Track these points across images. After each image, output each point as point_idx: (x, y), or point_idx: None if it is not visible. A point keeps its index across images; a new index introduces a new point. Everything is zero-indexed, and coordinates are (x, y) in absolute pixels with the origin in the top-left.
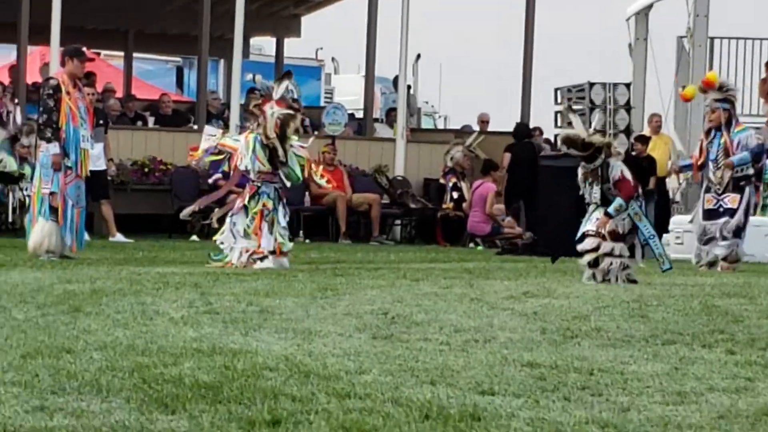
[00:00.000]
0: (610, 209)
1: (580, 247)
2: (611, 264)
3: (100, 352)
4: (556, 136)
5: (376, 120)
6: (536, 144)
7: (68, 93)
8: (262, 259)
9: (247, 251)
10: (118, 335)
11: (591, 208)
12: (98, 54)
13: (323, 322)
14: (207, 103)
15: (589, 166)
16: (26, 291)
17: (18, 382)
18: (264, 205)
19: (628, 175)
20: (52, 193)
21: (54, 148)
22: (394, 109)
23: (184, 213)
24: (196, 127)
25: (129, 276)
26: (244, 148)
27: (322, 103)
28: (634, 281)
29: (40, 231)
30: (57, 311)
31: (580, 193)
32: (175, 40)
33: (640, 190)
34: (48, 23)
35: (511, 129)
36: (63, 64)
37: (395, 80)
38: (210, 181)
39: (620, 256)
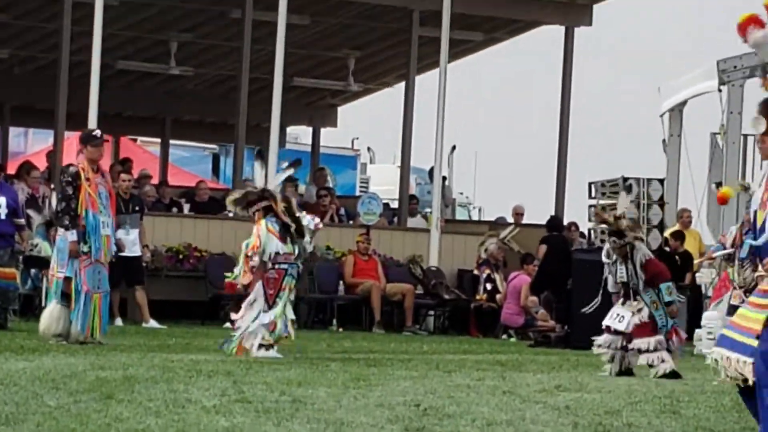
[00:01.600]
0: (665, 296)
1: (596, 342)
2: (653, 361)
3: None
4: (589, 230)
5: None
6: (569, 238)
7: (88, 179)
8: (267, 347)
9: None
10: (150, 423)
11: (616, 303)
12: (135, 140)
13: (355, 412)
14: None
15: (619, 242)
16: (58, 377)
17: None
18: (290, 289)
19: (653, 257)
20: (66, 278)
21: (72, 235)
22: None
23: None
24: (231, 214)
25: (162, 363)
26: (263, 236)
27: (357, 193)
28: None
29: (49, 315)
30: (89, 398)
31: (605, 276)
32: (212, 128)
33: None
34: (85, 109)
35: (545, 221)
36: (80, 151)
37: (431, 171)
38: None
39: (656, 350)
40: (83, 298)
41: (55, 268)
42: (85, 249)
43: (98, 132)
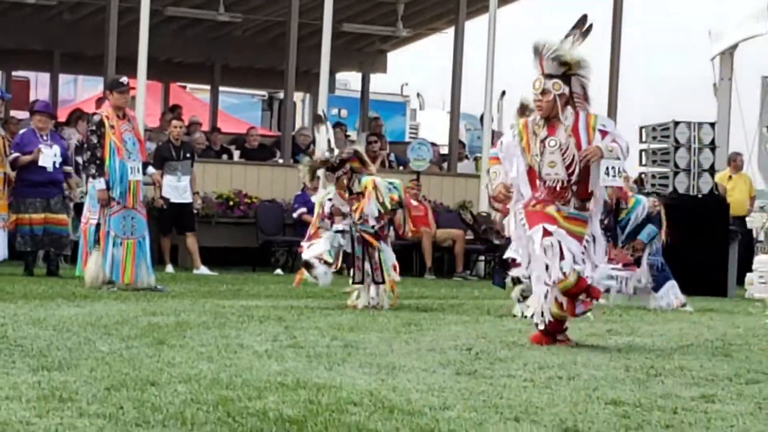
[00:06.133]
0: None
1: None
2: None
3: (184, 385)
4: (640, 174)
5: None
6: None
7: (112, 127)
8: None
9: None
10: (202, 368)
11: None
12: (184, 87)
13: (407, 357)
14: (294, 138)
15: None
16: (110, 323)
17: (103, 415)
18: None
19: None
20: (98, 225)
21: (99, 183)
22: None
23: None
24: (281, 161)
25: (213, 309)
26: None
27: (407, 139)
28: None
29: (94, 264)
30: (141, 344)
31: None
32: (261, 74)
33: None
34: (135, 56)
35: None
36: (106, 98)
37: (482, 117)
38: (294, 215)
39: None
40: (111, 244)
41: (88, 215)
42: (114, 196)
43: (124, 78)
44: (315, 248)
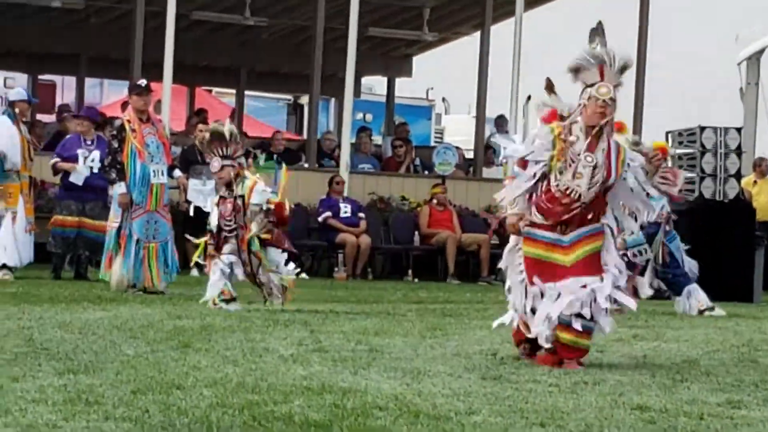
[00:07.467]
0: None
1: None
2: None
3: (210, 388)
4: None
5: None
6: None
7: (134, 131)
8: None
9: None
10: (228, 372)
11: None
12: (210, 91)
13: (432, 362)
14: (319, 142)
15: None
16: (136, 327)
17: (129, 418)
18: None
19: None
20: (119, 229)
21: (120, 187)
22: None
23: None
24: (306, 165)
25: (238, 313)
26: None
27: (432, 143)
28: None
29: (119, 268)
30: (167, 347)
31: None
32: (287, 78)
33: None
34: (160, 60)
35: None
36: (128, 102)
37: (497, 119)
38: (320, 219)
39: None
40: (133, 248)
41: (111, 218)
42: (135, 200)
43: (143, 81)
44: (212, 289)
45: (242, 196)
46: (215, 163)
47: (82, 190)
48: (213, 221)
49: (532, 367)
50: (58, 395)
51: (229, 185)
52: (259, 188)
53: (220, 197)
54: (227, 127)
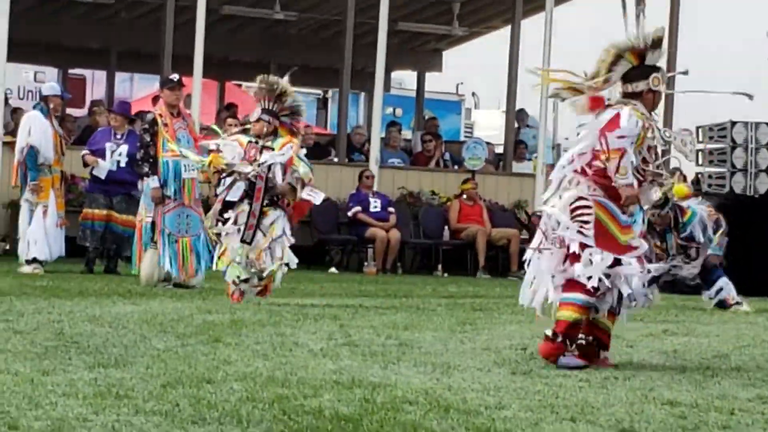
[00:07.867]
0: None
1: None
2: None
3: (240, 382)
4: (697, 174)
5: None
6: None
7: (166, 125)
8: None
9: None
10: (257, 366)
11: None
12: (239, 85)
13: (462, 356)
14: (348, 137)
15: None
16: (166, 321)
17: (159, 412)
18: None
19: None
20: (153, 223)
21: (153, 182)
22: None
23: None
24: (336, 159)
25: (268, 307)
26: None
27: (462, 138)
28: None
29: (148, 263)
30: (197, 341)
31: None
32: (317, 73)
33: None
34: (191, 54)
35: None
36: (160, 96)
37: (518, 113)
38: (349, 213)
39: None
40: (167, 241)
41: (143, 213)
42: (168, 193)
43: (175, 76)
44: (230, 272)
45: (272, 148)
46: (254, 113)
47: (110, 184)
48: (228, 156)
49: None
50: (89, 389)
51: (258, 137)
52: (289, 146)
53: (249, 141)
54: (281, 83)
